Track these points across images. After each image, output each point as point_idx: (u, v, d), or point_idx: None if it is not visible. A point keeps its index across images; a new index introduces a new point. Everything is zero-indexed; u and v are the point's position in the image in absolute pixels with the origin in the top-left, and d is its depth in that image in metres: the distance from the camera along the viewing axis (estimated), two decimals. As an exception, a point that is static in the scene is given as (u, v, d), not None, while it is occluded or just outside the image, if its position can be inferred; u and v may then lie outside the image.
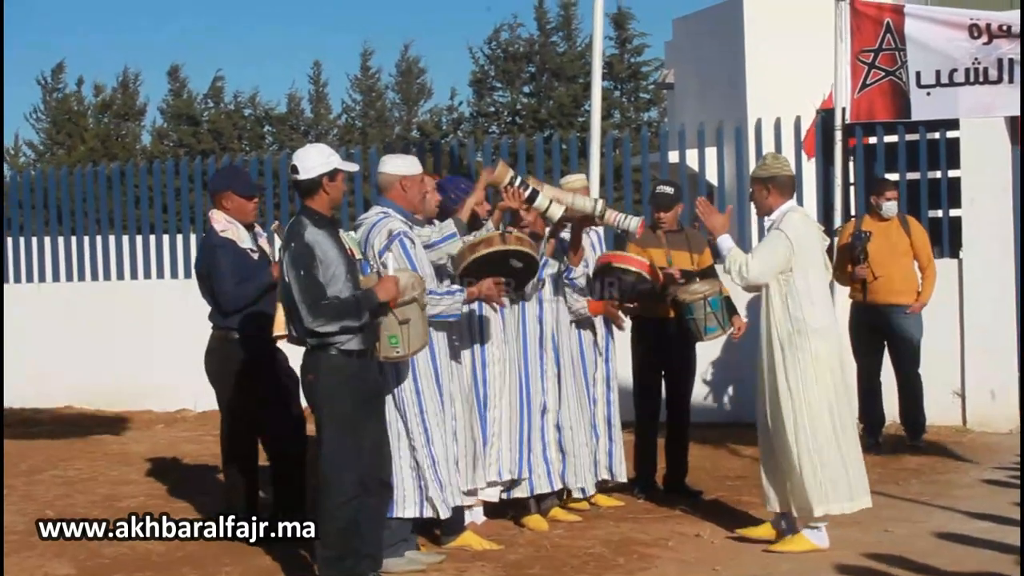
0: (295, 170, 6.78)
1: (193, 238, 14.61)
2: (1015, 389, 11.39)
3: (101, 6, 64.91)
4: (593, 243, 8.94)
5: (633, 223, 8.34)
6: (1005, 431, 11.53)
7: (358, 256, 7.00)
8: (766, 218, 8.01)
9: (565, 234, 8.52)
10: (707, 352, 11.96)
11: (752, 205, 8.27)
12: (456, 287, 7.54)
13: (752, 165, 12.01)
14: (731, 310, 9.13)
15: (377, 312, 6.76)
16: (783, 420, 7.71)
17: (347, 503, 6.76)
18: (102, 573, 7.60)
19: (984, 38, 10.39)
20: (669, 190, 9.47)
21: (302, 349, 6.87)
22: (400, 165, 7.56)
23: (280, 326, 7.44)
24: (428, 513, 7.52)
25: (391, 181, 7.52)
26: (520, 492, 8.36)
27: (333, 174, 6.80)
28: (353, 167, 7.09)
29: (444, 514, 7.54)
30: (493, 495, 8.35)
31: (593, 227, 8.68)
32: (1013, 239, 11.87)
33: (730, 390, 12.67)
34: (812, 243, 7.84)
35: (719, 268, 8.32)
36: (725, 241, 7.80)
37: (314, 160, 6.78)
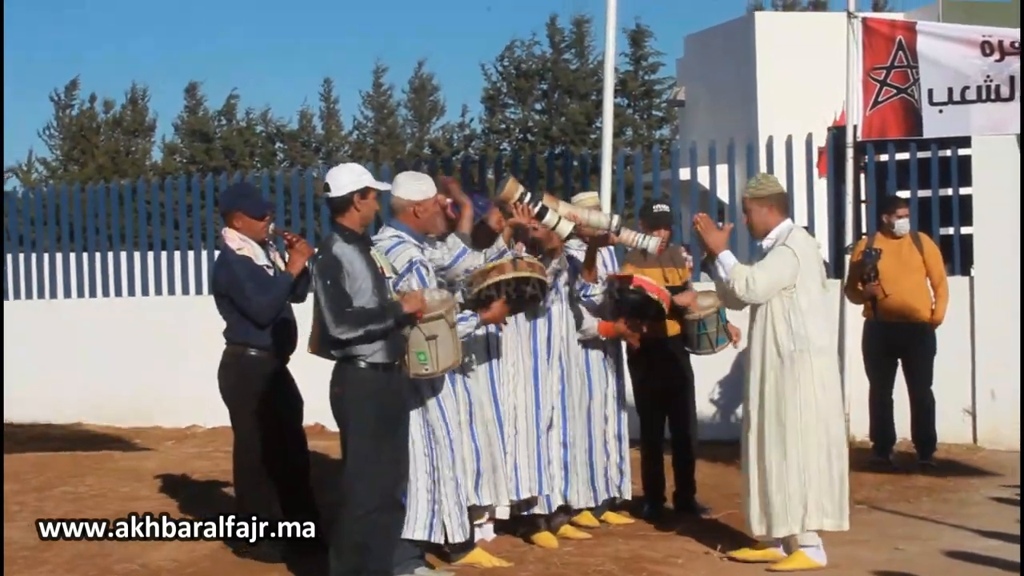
0: (327, 187, 6.94)
1: (204, 254, 14.63)
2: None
3: (116, 19, 65.08)
4: (605, 260, 8.93)
5: (652, 244, 8.35)
6: (1016, 449, 11.48)
7: (388, 274, 7.04)
8: (764, 239, 7.93)
9: (579, 253, 8.53)
10: (716, 370, 11.95)
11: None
12: (469, 312, 7.54)
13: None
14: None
15: (404, 323, 6.83)
16: (775, 435, 7.67)
17: (366, 516, 6.80)
18: (112, 589, 7.62)
19: (996, 55, 10.40)
20: (667, 208, 9.44)
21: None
22: (413, 192, 7.52)
23: (314, 342, 7.42)
24: (436, 537, 7.55)
25: (403, 206, 7.52)
26: (539, 509, 8.36)
27: (364, 192, 6.93)
28: (384, 186, 7.24)
29: (459, 538, 7.56)
30: (504, 512, 8.33)
31: (606, 246, 8.66)
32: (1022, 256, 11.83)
33: (739, 409, 12.62)
34: (813, 261, 7.84)
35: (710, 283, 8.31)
36: (728, 257, 7.79)
37: (346, 178, 6.94)
